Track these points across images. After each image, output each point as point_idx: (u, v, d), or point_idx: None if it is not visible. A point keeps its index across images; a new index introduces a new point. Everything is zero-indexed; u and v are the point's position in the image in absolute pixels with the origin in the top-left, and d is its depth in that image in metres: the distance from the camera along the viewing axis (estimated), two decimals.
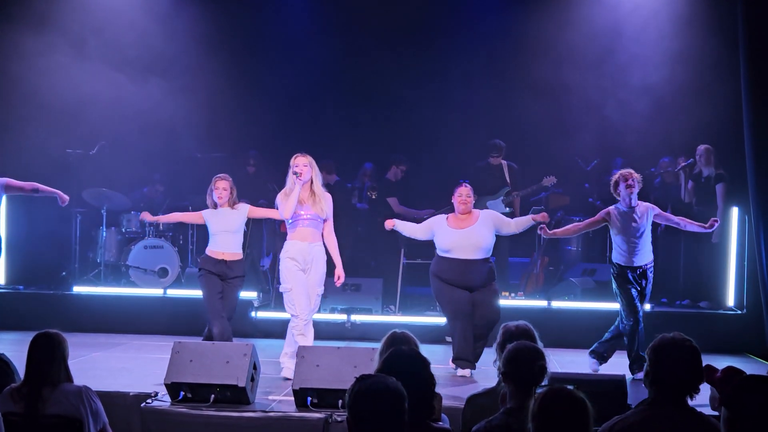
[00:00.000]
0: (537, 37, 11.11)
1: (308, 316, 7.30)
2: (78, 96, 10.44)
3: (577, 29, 10.85)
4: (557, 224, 11.06)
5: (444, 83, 11.59)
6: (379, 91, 11.63)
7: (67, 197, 8.38)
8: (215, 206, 7.83)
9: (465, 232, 7.73)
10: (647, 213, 7.61)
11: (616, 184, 7.62)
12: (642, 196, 7.75)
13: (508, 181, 10.54)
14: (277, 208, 7.47)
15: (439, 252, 7.85)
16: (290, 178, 7.33)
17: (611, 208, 7.70)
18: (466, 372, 7.63)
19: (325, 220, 7.41)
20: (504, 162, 10.60)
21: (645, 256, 7.62)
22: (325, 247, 7.49)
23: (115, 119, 10.82)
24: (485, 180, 10.43)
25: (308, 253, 7.32)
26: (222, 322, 7.50)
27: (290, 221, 7.35)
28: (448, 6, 11.67)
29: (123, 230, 10.96)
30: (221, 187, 7.79)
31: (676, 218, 7.91)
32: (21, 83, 10.52)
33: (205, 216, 7.87)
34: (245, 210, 7.87)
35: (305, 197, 7.32)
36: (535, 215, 7.92)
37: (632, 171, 7.64)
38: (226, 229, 7.76)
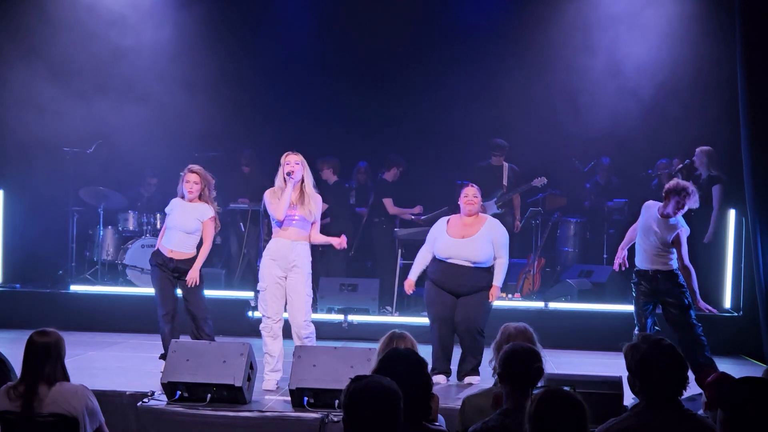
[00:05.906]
0: (536, 38, 11.11)
1: (303, 319, 6.94)
2: (76, 95, 10.43)
3: (576, 31, 10.85)
4: (554, 225, 11.12)
5: (442, 83, 11.57)
6: (376, 90, 11.61)
7: None
8: (183, 198, 7.46)
9: (464, 242, 7.36)
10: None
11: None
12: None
13: (505, 183, 10.52)
14: (265, 206, 7.10)
15: (435, 255, 7.52)
16: (280, 176, 6.97)
17: None
18: (440, 378, 7.24)
19: (312, 223, 7.04)
20: (506, 164, 10.59)
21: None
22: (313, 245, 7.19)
23: (112, 117, 10.79)
24: (484, 181, 10.40)
25: (291, 250, 6.92)
26: (169, 322, 7.32)
27: (276, 221, 7.03)
28: (445, 4, 11.66)
29: (120, 229, 10.94)
30: (192, 180, 7.40)
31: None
32: (20, 82, 10.53)
33: (171, 205, 7.50)
34: (205, 214, 7.42)
35: (295, 198, 6.95)
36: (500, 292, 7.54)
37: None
38: (178, 226, 7.41)
